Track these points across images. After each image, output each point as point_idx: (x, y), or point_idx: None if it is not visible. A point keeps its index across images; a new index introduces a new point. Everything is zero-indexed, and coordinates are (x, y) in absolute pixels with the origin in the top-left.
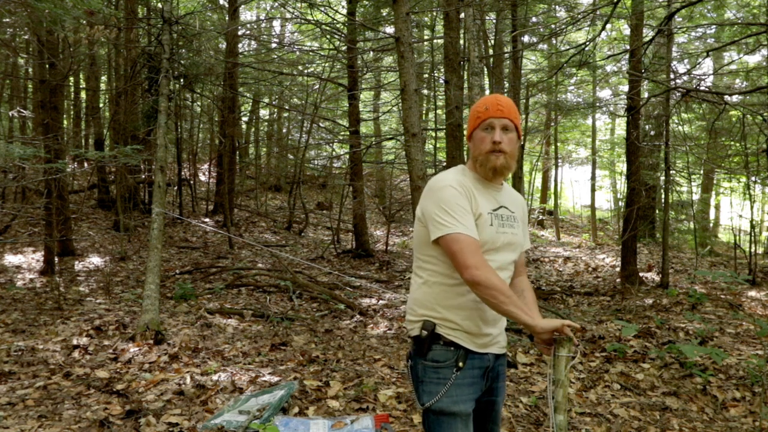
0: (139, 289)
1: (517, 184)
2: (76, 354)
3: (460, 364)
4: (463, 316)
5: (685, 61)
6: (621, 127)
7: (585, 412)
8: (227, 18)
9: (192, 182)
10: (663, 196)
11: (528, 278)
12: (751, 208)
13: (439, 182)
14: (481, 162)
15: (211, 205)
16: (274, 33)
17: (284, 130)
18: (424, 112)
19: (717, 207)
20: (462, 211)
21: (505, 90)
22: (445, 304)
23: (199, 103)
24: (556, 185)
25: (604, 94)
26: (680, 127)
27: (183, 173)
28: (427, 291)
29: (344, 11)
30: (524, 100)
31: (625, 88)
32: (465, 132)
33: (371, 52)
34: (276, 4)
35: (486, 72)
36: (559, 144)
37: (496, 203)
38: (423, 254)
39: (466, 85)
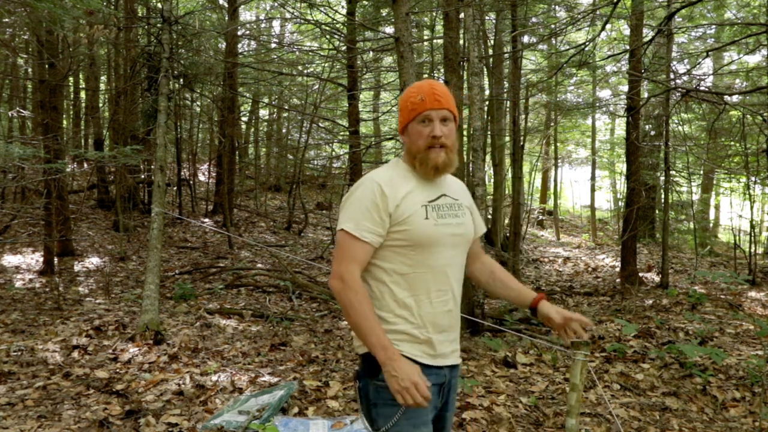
0: (138, 289)
1: (517, 184)
2: (75, 354)
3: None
4: (414, 324)
5: (685, 61)
6: (621, 127)
7: (585, 412)
8: (227, 18)
9: (191, 182)
10: (663, 196)
11: (503, 268)
12: (751, 208)
13: (364, 180)
14: (420, 160)
15: (210, 205)
16: (273, 33)
17: (284, 130)
18: None
19: (717, 207)
20: (366, 212)
21: (505, 90)
22: (394, 312)
23: (198, 102)
24: (555, 185)
25: (604, 94)
26: (680, 127)
27: (182, 173)
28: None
29: (344, 11)
30: (524, 100)
31: (625, 88)
32: (399, 125)
33: (371, 52)
34: (276, 4)
35: (486, 72)
36: (558, 144)
37: (436, 192)
38: None
39: (465, 85)
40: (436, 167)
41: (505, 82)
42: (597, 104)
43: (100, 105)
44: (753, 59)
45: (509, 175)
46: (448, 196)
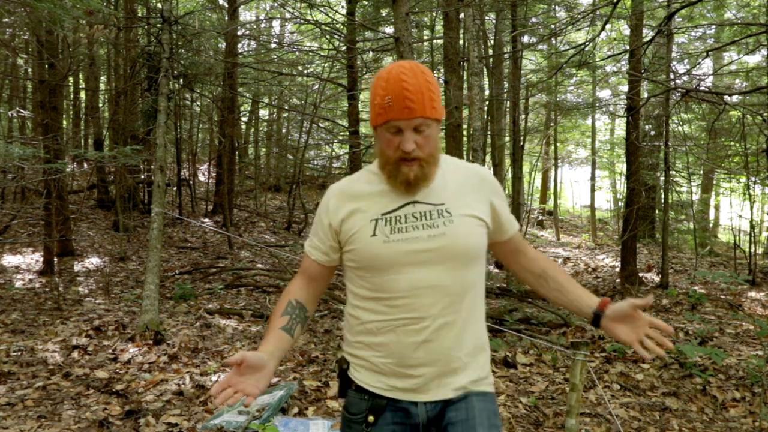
0: (138, 289)
1: (517, 184)
2: (75, 354)
3: (370, 418)
4: (375, 352)
5: (685, 61)
6: (621, 127)
7: (585, 412)
8: (227, 18)
9: (191, 182)
10: (663, 196)
11: (555, 265)
12: (751, 208)
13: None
14: (389, 173)
15: (210, 206)
16: (273, 33)
17: (284, 131)
18: None
19: (717, 207)
20: (316, 227)
21: (505, 90)
22: (355, 337)
23: (198, 103)
24: (555, 185)
25: (604, 94)
26: (680, 128)
27: (182, 173)
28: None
29: (344, 11)
30: (524, 100)
31: (625, 88)
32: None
33: (371, 53)
34: (275, 4)
35: (486, 72)
36: (558, 144)
37: (400, 200)
38: None
39: (465, 85)
40: (407, 182)
41: (505, 82)
42: (597, 104)
43: (100, 105)
44: (753, 59)
45: (509, 175)
46: (419, 203)
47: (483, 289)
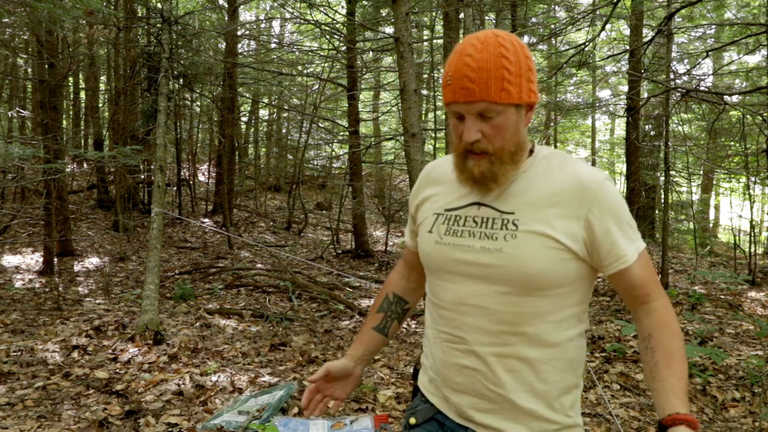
0: (138, 289)
1: None
2: (75, 354)
3: (412, 420)
4: (429, 361)
5: (685, 61)
6: (621, 127)
7: (585, 413)
8: (226, 18)
9: (191, 182)
10: (663, 196)
11: (672, 330)
12: (751, 208)
13: None
14: (456, 164)
15: (210, 206)
16: (273, 33)
17: (284, 131)
18: (423, 112)
19: (717, 207)
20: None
21: None
22: (424, 339)
23: (198, 103)
24: None
25: (604, 94)
26: (680, 128)
27: (182, 173)
28: None
29: (344, 11)
30: None
31: (625, 88)
32: None
33: (371, 53)
34: (275, 4)
35: None
36: (558, 144)
37: (470, 197)
38: None
39: None
40: (473, 180)
41: None
42: (597, 104)
43: (100, 105)
44: (753, 59)
45: None
46: (486, 207)
47: (570, 326)
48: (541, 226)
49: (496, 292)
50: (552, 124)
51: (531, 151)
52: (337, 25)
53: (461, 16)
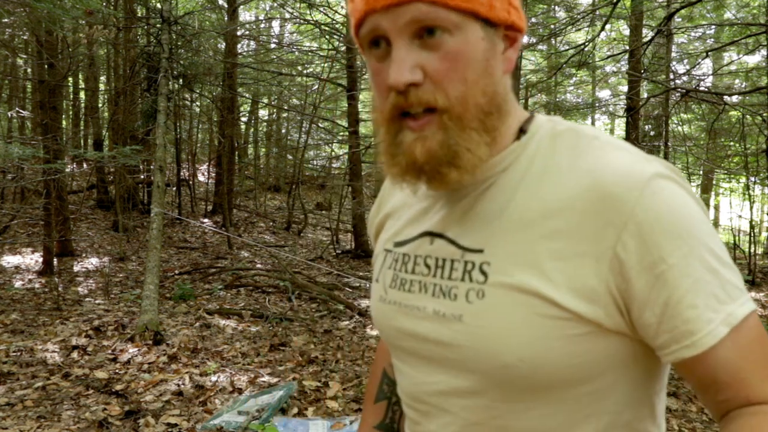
0: (138, 289)
1: None
2: (75, 354)
3: None
4: None
5: (685, 61)
6: (620, 127)
7: None
8: (226, 18)
9: (191, 182)
10: None
11: None
12: (751, 208)
13: None
14: (384, 150)
15: (210, 206)
16: (273, 33)
17: (283, 131)
18: None
19: (716, 207)
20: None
21: None
22: None
23: (198, 103)
24: None
25: (604, 94)
26: (680, 128)
27: (182, 173)
28: None
29: (343, 11)
30: (523, 101)
31: (625, 88)
32: None
33: None
34: (275, 4)
35: None
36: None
37: (423, 224)
38: None
39: None
40: (416, 169)
41: None
42: (596, 104)
43: (100, 105)
44: (753, 59)
45: None
46: (442, 239)
47: None
48: (524, 276)
49: (464, 391)
50: None
51: (521, 130)
52: (337, 25)
53: None
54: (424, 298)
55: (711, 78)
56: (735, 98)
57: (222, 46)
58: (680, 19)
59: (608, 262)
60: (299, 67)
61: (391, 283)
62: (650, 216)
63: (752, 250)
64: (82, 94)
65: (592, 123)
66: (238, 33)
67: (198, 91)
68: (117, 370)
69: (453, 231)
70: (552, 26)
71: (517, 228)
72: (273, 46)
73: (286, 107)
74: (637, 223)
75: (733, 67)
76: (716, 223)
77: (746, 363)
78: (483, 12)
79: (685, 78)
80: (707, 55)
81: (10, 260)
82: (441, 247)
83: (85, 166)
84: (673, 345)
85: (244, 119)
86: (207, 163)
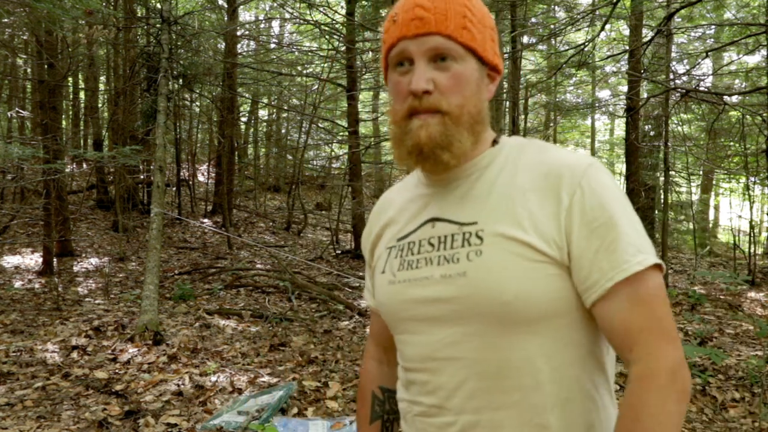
0: (137, 289)
1: None
2: (74, 354)
3: None
4: None
5: (685, 61)
6: (620, 127)
7: None
8: (226, 18)
9: (191, 183)
10: (662, 196)
11: (652, 402)
12: (751, 208)
13: None
14: (394, 139)
15: (209, 206)
16: (273, 33)
17: (283, 131)
18: None
19: (716, 207)
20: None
21: (504, 90)
22: None
23: (198, 103)
24: None
25: (604, 94)
26: (679, 128)
27: (182, 173)
28: None
29: (343, 11)
30: (523, 101)
31: (625, 88)
32: None
33: (370, 53)
34: (275, 4)
35: None
36: (558, 144)
37: (421, 217)
38: None
39: None
40: (419, 149)
41: (504, 83)
42: (596, 104)
43: (100, 105)
44: (753, 59)
45: None
46: (441, 221)
47: (587, 373)
48: (509, 228)
49: (470, 335)
50: (552, 124)
51: (495, 142)
52: (337, 26)
53: None
54: (431, 269)
55: (711, 78)
56: (735, 98)
57: (222, 46)
58: (680, 19)
59: (563, 218)
60: (299, 67)
61: (399, 267)
62: (590, 188)
63: (752, 250)
64: (81, 94)
65: (592, 123)
66: (238, 33)
67: (198, 91)
68: (117, 370)
69: (450, 213)
70: (552, 26)
71: (500, 201)
72: (273, 46)
73: (285, 107)
74: (581, 192)
75: (733, 67)
76: (716, 224)
77: (638, 313)
78: (479, 51)
79: (685, 78)
80: (707, 55)
81: (10, 260)
82: (442, 228)
83: (84, 166)
84: (593, 289)
85: (243, 119)
86: (207, 163)
